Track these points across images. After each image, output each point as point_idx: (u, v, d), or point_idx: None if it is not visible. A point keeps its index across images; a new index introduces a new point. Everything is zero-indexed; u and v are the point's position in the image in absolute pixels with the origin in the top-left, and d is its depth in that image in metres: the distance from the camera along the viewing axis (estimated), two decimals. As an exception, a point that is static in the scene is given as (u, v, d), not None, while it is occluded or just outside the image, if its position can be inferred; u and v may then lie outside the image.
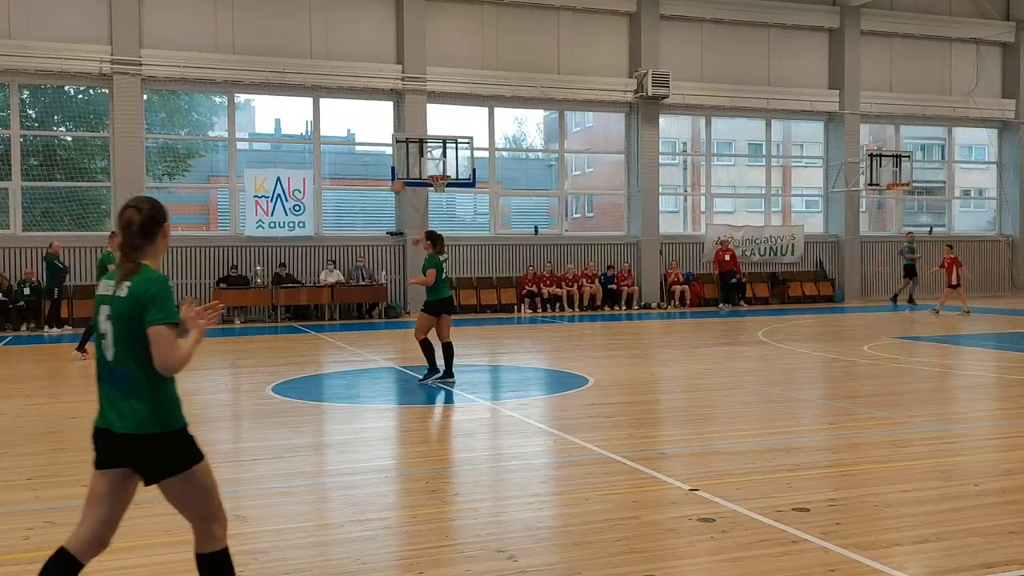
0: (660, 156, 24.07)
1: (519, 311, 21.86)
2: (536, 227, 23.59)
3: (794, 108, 25.10)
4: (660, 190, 24.08)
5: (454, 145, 20.84)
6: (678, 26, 23.83)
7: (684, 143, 27.92)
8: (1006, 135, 27.79)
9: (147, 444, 3.43)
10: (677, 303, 23.21)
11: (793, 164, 28.22)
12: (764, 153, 26.42)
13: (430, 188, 20.98)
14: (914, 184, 25.57)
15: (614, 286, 22.82)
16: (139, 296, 3.44)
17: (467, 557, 4.84)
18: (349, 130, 24.31)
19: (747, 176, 29.21)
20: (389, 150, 21.45)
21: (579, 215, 28.63)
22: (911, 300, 23.14)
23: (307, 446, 7.74)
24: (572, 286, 22.42)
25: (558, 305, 22.13)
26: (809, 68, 25.26)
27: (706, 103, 24.12)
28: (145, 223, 3.54)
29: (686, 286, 23.42)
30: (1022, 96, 27.16)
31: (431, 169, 20.71)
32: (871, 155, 24.67)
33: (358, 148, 25.11)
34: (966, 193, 30.50)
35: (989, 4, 26.95)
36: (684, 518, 5.46)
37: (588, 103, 23.50)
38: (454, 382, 10.71)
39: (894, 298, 23.53)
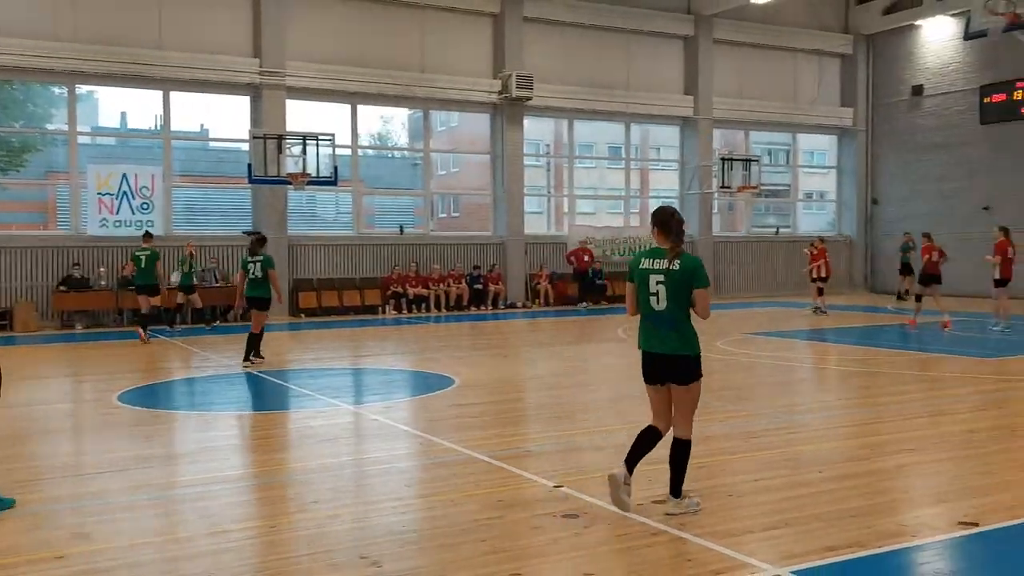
0: (524, 157, 24.34)
1: (383, 312, 21.63)
2: (401, 227, 23.41)
3: (651, 112, 25.86)
4: (525, 191, 24.34)
5: (315, 142, 20.39)
6: (541, 29, 24.15)
7: (548, 145, 28.32)
8: (845, 141, 29.52)
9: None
10: (542, 302, 23.53)
11: (650, 167, 29.09)
12: (623, 156, 27.12)
13: (289, 186, 20.48)
14: (762, 187, 26.79)
15: (480, 286, 22.91)
16: None
17: (330, 565, 4.75)
18: (202, 125, 23.43)
19: (607, 178, 29.89)
20: (246, 146, 20.77)
21: (445, 215, 28.60)
22: (905, 294, 24.16)
23: (157, 457, 7.39)
24: (438, 286, 22.37)
25: (424, 306, 22.03)
26: (665, 74, 26.09)
27: (568, 106, 24.54)
28: None
29: (550, 285, 23.76)
30: (859, 105, 28.90)
31: (290, 167, 20.20)
32: (723, 159, 25.68)
33: (212, 144, 24.24)
34: (809, 196, 32.17)
35: (830, 17, 28.57)
36: (549, 515, 5.53)
37: (453, 103, 23.49)
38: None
39: (901, 294, 24.60)
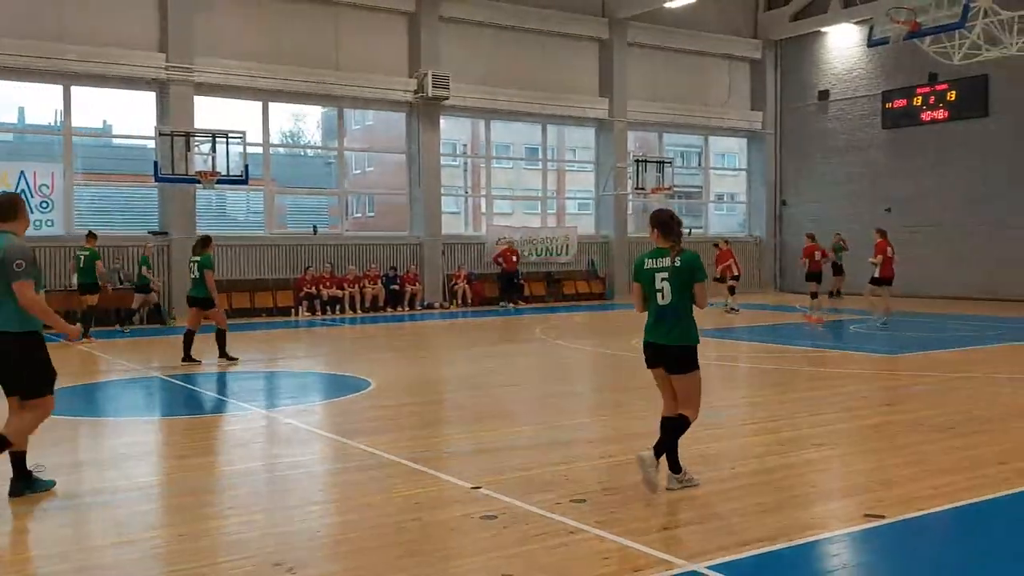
0: (441, 157, 24.23)
1: (296, 314, 21.24)
2: (315, 226, 23.02)
3: (568, 114, 26.06)
4: (442, 191, 24.23)
5: (224, 140, 19.90)
6: (457, 29, 24.09)
7: (465, 145, 28.26)
8: (754, 144, 30.29)
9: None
10: (459, 303, 23.46)
11: (567, 168, 29.32)
12: (540, 157, 27.25)
13: (198, 185, 19.95)
14: (675, 188, 27.27)
15: (397, 287, 22.70)
16: None
17: (243, 573, 4.62)
18: (105, 121, 22.61)
19: (524, 179, 30.00)
20: (152, 143, 20.13)
21: (360, 215, 28.24)
22: (838, 294, 24.56)
23: (63, 465, 7.06)
24: (353, 287, 22.09)
25: (338, 307, 21.73)
26: (581, 76, 26.32)
27: (485, 106, 24.53)
28: None
29: (467, 285, 23.71)
30: (768, 109, 29.69)
31: (199, 165, 19.67)
32: (637, 160, 26.05)
33: (116, 141, 23.43)
34: (720, 197, 32.90)
35: (740, 23, 29.27)
36: (467, 517, 5.49)
37: (368, 101, 23.23)
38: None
39: (830, 294, 24.88)
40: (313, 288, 21.53)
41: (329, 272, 21.95)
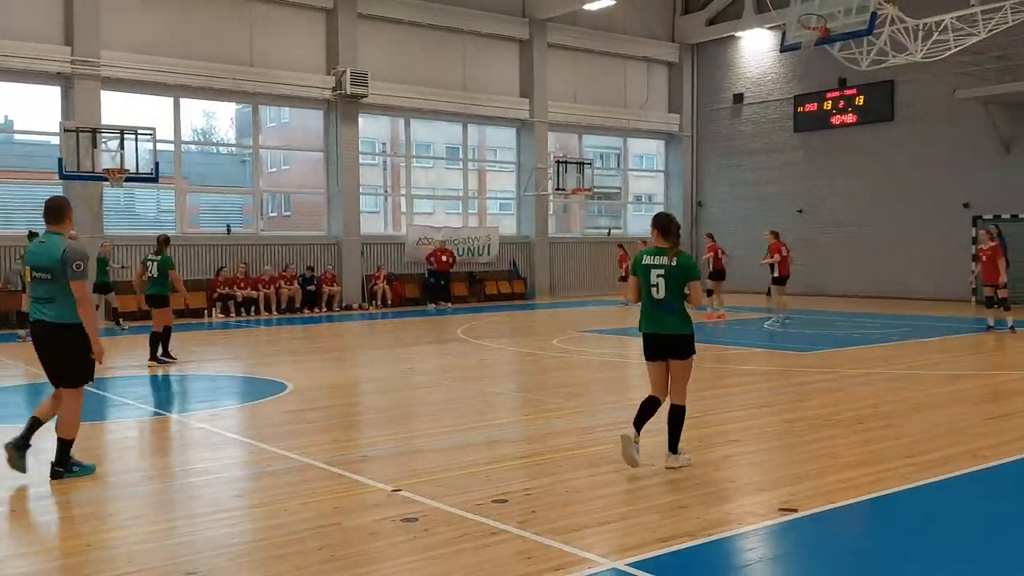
0: (360, 156, 23.94)
1: (209, 316, 20.72)
2: (228, 226, 22.51)
3: (488, 114, 26.05)
4: (360, 190, 23.95)
5: (133, 136, 19.28)
6: (376, 26, 23.85)
7: (384, 144, 28.00)
8: (671, 146, 30.80)
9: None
10: (379, 304, 23.21)
11: (488, 168, 29.32)
12: (461, 156, 27.18)
13: (106, 182, 19.28)
14: (595, 189, 27.55)
15: (314, 287, 22.34)
16: None
17: (152, 584, 4.45)
18: (7, 116, 21.68)
19: (445, 178, 29.90)
20: (56, 139, 19.37)
21: (276, 214, 27.69)
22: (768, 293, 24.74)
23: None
24: (269, 288, 21.65)
25: (254, 308, 21.28)
26: (502, 76, 26.35)
27: (405, 105, 24.34)
28: None
29: (387, 286, 23.46)
30: (684, 111, 30.21)
31: (107, 162, 19.01)
32: (558, 161, 26.22)
33: (17, 137, 22.46)
34: (638, 198, 33.33)
35: (658, 26, 29.72)
36: (387, 520, 5.43)
37: (284, 98, 22.80)
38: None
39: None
40: (227, 289, 21.03)
41: (244, 273, 21.47)
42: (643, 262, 6.67)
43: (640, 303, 6.76)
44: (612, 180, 31.45)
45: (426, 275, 24.20)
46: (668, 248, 6.60)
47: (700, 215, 30.47)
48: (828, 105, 26.43)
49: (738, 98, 29.05)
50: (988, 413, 8.61)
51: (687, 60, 30.09)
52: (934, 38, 18.66)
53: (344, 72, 22.32)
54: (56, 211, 6.53)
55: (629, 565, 4.61)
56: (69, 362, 6.43)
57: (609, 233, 29.92)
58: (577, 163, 26.46)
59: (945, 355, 13.25)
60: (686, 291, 6.56)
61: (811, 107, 26.88)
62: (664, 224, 6.68)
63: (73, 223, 6.90)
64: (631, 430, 6.52)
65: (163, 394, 10.73)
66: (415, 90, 24.28)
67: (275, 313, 21.42)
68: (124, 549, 5.00)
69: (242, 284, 21.24)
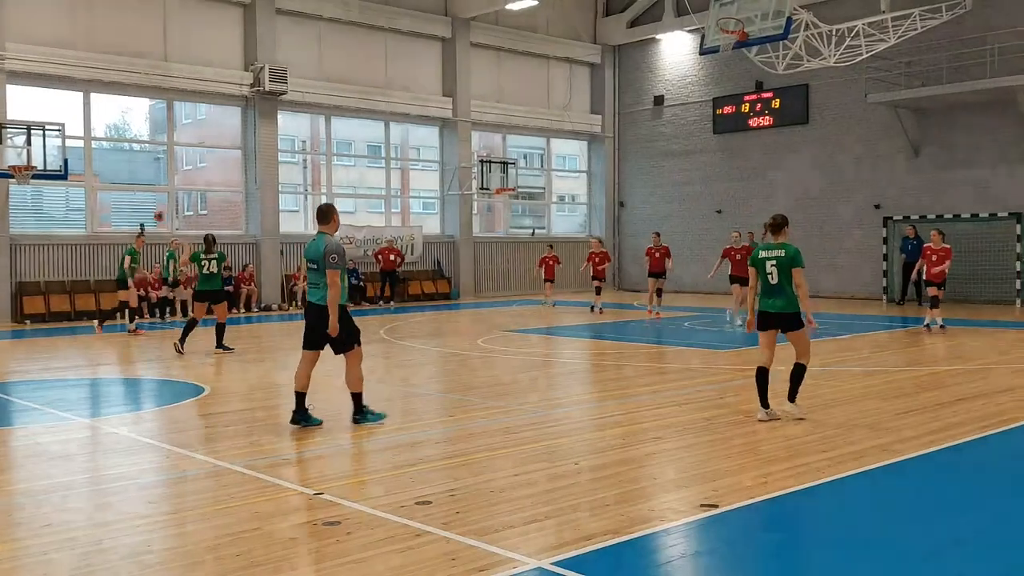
0: (279, 154, 23.52)
1: (123, 318, 20.03)
2: (142, 225, 21.82)
3: (411, 112, 25.88)
4: (280, 188, 23.53)
5: (41, 132, 18.56)
6: (296, 22, 23.47)
7: (304, 141, 27.57)
8: (594, 147, 31.09)
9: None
10: (299, 304, 22.81)
11: (411, 167, 29.13)
12: (383, 155, 26.94)
13: (11, 180, 18.52)
14: (519, 189, 27.63)
15: (231, 287, 21.84)
16: None
17: (60, 596, 4.27)
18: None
19: (367, 177, 29.58)
20: (-41, 135, 18.55)
21: (192, 212, 26.99)
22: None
23: None
24: (185, 289, 21.06)
25: (169, 309, 20.69)
26: (425, 75, 26.21)
27: (325, 102, 24.01)
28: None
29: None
30: (607, 112, 30.53)
31: (12, 158, 18.24)
32: (482, 161, 26.21)
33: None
34: (562, 198, 33.58)
35: (580, 27, 29.95)
36: (308, 524, 5.33)
37: (200, 94, 22.24)
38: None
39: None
40: (141, 290, 20.40)
41: (158, 272, 20.86)
42: (760, 256, 8.25)
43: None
44: (536, 180, 31.59)
45: (379, 273, 23.98)
46: (778, 243, 8.22)
47: (622, 215, 30.82)
48: (746, 108, 27.02)
49: (659, 100, 29.48)
50: (900, 408, 8.89)
51: (609, 62, 30.40)
52: (847, 43, 19.25)
53: (262, 68, 21.90)
54: (322, 214, 8.29)
55: (554, 564, 4.61)
56: (340, 335, 8.05)
57: (533, 233, 30.04)
58: (501, 163, 26.49)
59: (856, 352, 13.66)
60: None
61: (729, 109, 27.44)
62: (779, 224, 8.36)
63: (337, 224, 8.40)
64: (762, 412, 8.15)
65: (74, 398, 10.34)
66: (336, 87, 23.97)
67: (191, 314, 20.82)
68: (33, 559, 4.79)
69: (156, 285, 20.64)
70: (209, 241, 13.95)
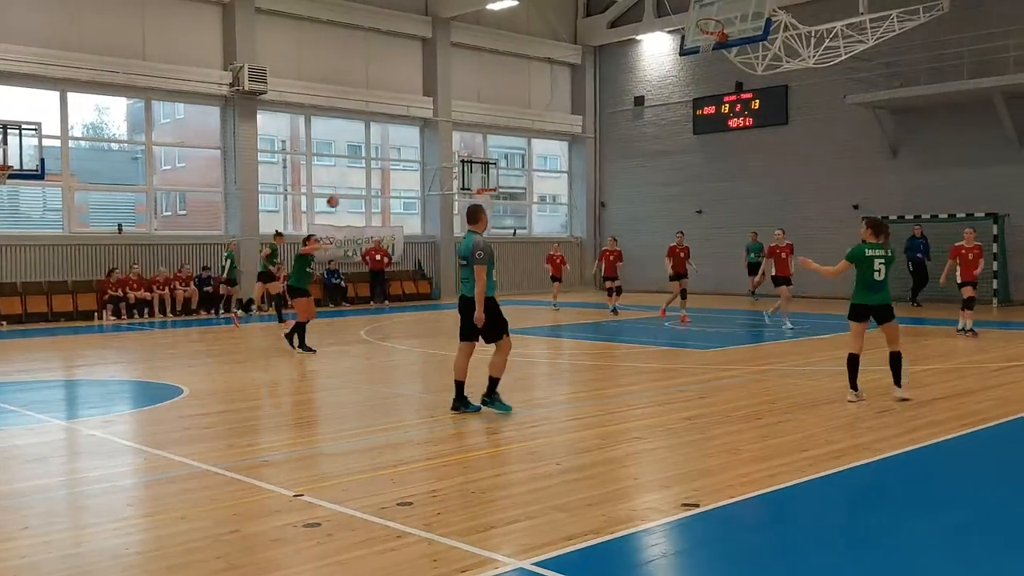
0: (259, 153, 23.38)
1: (100, 318, 19.92)
2: (120, 225, 21.66)
3: (391, 112, 25.79)
4: (259, 188, 23.39)
5: (17, 131, 18.35)
6: (275, 21, 23.34)
7: (284, 141, 27.42)
8: (575, 147, 31.11)
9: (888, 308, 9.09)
10: (272, 305, 22.59)
11: (392, 167, 29.03)
12: (363, 155, 26.84)
13: (-11, 180, 18.32)
14: (500, 189, 27.60)
15: (211, 288, 21.69)
16: None
17: (36, 601, 4.22)
18: None
19: (347, 177, 29.46)
20: (-66, 134, 18.31)
21: (170, 213, 26.78)
22: (754, 293, 24.12)
23: None
24: (163, 289, 20.93)
25: (147, 311, 20.54)
26: (405, 74, 26.14)
27: (305, 102, 23.89)
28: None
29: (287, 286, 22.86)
30: (587, 113, 30.56)
31: (-11, 158, 18.06)
32: (463, 161, 26.17)
33: None
34: (543, 199, 33.59)
35: (561, 28, 29.98)
36: (289, 526, 5.29)
37: (178, 94, 22.07)
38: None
39: (752, 293, 24.35)
40: (119, 291, 20.25)
41: (137, 273, 20.70)
42: (867, 254, 9.08)
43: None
44: (517, 180, 31.58)
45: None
46: (882, 243, 9.13)
47: (603, 216, 30.86)
48: (726, 108, 27.12)
49: (639, 100, 29.55)
50: (879, 407, 8.95)
51: (589, 62, 30.43)
52: (825, 44, 19.36)
53: (242, 68, 21.77)
54: (471, 215, 8.96)
55: (535, 564, 4.61)
56: (486, 326, 8.59)
57: (515, 233, 30.03)
58: (482, 163, 26.46)
59: (837, 351, 13.72)
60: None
61: (709, 110, 27.54)
62: (876, 224, 9.30)
63: (485, 223, 9.03)
64: (851, 394, 9.08)
65: (52, 400, 10.24)
66: (316, 87, 23.86)
67: (170, 315, 20.73)
68: (11, 563, 4.74)
69: (134, 285, 20.48)
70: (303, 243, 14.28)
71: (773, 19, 18.46)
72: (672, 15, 23.56)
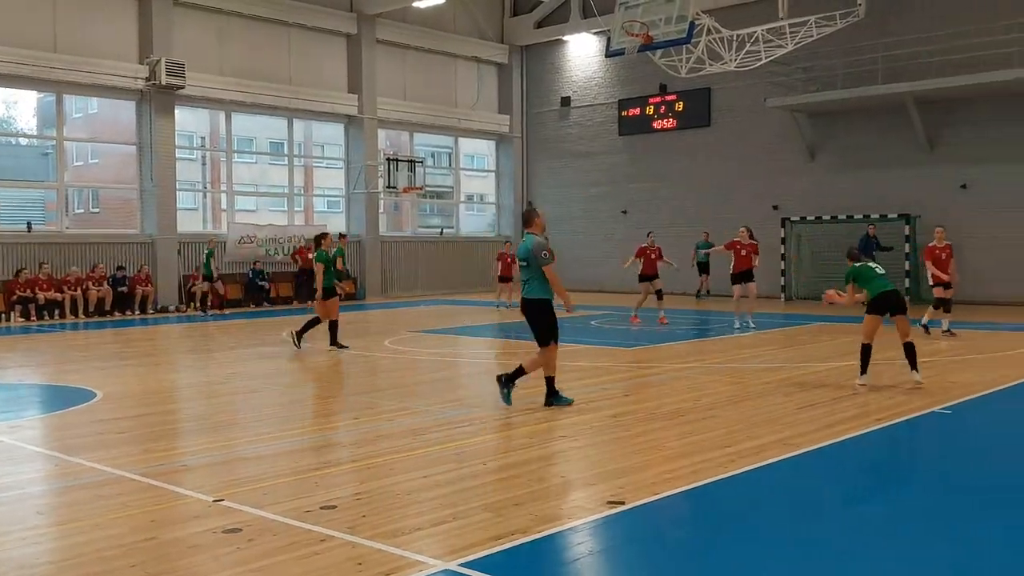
0: (177, 150, 22.77)
1: (8, 320, 19.14)
2: (29, 223, 20.87)
3: (315, 109, 25.42)
4: (177, 186, 22.78)
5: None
6: (194, 14, 22.77)
7: (203, 137, 26.80)
8: (502, 146, 31.12)
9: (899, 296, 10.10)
10: (198, 305, 22.13)
11: (315, 164, 28.62)
12: (286, 152, 26.39)
13: None
14: (427, 188, 27.44)
15: (125, 289, 21.05)
16: None
17: (-65, 617, 4.00)
18: None
19: (269, 174, 28.95)
20: None
21: (83, 210, 25.94)
22: (707, 293, 24.31)
23: None
24: (75, 290, 20.23)
25: (58, 312, 19.83)
26: (330, 71, 25.78)
27: (226, 97, 23.35)
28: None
29: (208, 287, 22.35)
30: (514, 113, 30.61)
31: None
32: (388, 159, 25.93)
33: None
34: (470, 198, 33.54)
35: (488, 27, 29.95)
36: (208, 532, 5.15)
37: (91, 87, 21.35)
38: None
39: (697, 294, 24.59)
40: (27, 291, 19.50)
41: (47, 274, 19.96)
42: (858, 267, 10.12)
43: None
44: (444, 179, 31.48)
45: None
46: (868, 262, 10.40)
47: (529, 215, 30.88)
48: (650, 110, 27.47)
49: (566, 101, 29.71)
50: (799, 403, 9.14)
51: (516, 62, 30.48)
52: (747, 49, 19.76)
53: (159, 61, 21.18)
54: (526, 218, 9.12)
55: (461, 565, 4.56)
56: (539, 327, 8.79)
57: (442, 232, 29.91)
58: (408, 161, 26.27)
59: (758, 349, 14.02)
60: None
61: (634, 111, 27.85)
62: (854, 254, 10.48)
63: (541, 225, 9.07)
64: (862, 378, 9.89)
65: (-47, 406, 9.78)
66: (236, 82, 23.36)
67: (83, 316, 20.05)
68: (-98, 580, 4.49)
69: (44, 286, 19.74)
70: (316, 239, 14.58)
71: (696, 22, 18.75)
72: (598, 16, 23.73)
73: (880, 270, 10.17)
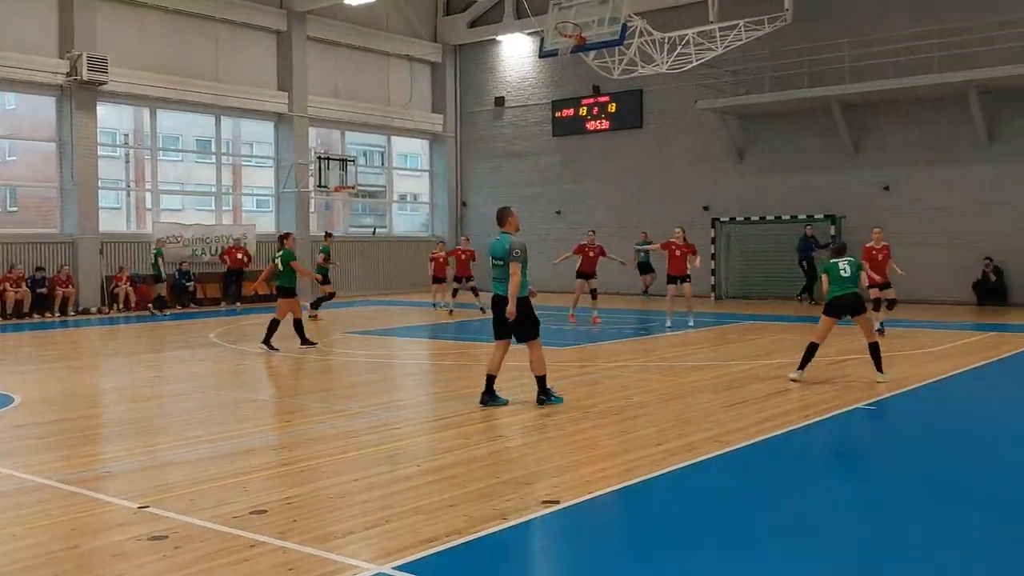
0: (99, 147, 22.11)
1: (-77, 321, 18.38)
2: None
3: (244, 107, 24.94)
4: (99, 184, 22.12)
5: None
6: (117, 9, 22.14)
7: (127, 135, 26.08)
8: (436, 146, 30.97)
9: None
10: (121, 307, 21.52)
11: (244, 163, 28.08)
12: (214, 150, 25.84)
13: None
14: (359, 187, 27.15)
15: (45, 290, 20.36)
16: None
17: None
18: None
19: (196, 173, 28.32)
20: None
21: (0, 209, 25.05)
22: (646, 291, 24.10)
23: None
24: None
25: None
26: (259, 68, 25.33)
27: (150, 94, 22.75)
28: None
29: (131, 288, 21.77)
30: (448, 112, 30.49)
31: None
32: (319, 158, 25.59)
33: None
34: (403, 197, 33.30)
35: (421, 26, 29.78)
36: (133, 539, 5.00)
37: (9, 82, 20.57)
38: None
39: (644, 292, 24.31)
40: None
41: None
42: (832, 262, 10.30)
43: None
44: (377, 178, 31.20)
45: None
46: (845, 258, 10.35)
47: (464, 215, 30.87)
48: (583, 111, 27.64)
49: (499, 101, 29.71)
50: (728, 400, 9.28)
51: (450, 61, 30.37)
52: (678, 51, 19.98)
53: (80, 56, 20.54)
54: (500, 218, 9.21)
55: (396, 568, 4.51)
56: (521, 323, 8.81)
57: (375, 232, 29.62)
58: (340, 160, 25.97)
59: (689, 347, 14.20)
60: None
61: (568, 112, 27.99)
62: (838, 250, 10.55)
63: (515, 225, 9.18)
64: (797, 373, 10.19)
65: None
66: (162, 79, 22.77)
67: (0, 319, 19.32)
68: None
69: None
70: (280, 239, 14.69)
71: (629, 24, 18.89)
72: (532, 17, 23.77)
73: (845, 272, 10.20)
